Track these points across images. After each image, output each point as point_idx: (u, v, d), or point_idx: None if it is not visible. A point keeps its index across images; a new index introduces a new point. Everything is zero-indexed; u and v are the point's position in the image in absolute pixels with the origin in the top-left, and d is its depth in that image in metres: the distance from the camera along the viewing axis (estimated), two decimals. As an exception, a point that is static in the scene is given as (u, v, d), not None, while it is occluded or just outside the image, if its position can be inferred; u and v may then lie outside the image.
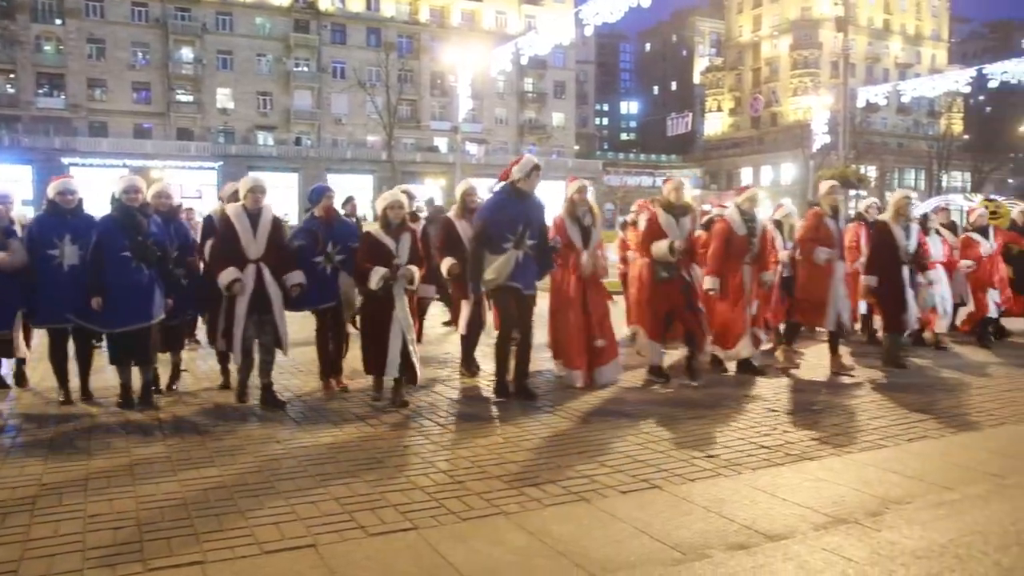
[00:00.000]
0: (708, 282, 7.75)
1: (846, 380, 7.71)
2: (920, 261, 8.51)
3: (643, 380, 7.51)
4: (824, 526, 3.98)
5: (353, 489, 4.51)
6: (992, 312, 10.09)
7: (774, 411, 6.42)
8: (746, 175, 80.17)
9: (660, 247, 7.27)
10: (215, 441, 5.56)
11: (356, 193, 13.48)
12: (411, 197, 8.40)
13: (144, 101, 61.29)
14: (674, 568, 3.51)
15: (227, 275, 6.39)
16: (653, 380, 7.49)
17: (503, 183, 6.85)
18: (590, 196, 7.34)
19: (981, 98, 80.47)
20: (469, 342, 7.73)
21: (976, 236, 10.25)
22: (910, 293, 8.36)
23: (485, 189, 7.69)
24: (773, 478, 4.74)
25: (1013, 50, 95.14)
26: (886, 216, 8.56)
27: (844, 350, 9.08)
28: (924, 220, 10.04)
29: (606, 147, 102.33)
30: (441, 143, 68.06)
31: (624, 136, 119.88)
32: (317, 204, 7.03)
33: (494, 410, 6.49)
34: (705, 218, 8.99)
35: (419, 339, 7.84)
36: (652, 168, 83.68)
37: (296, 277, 6.56)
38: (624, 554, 3.65)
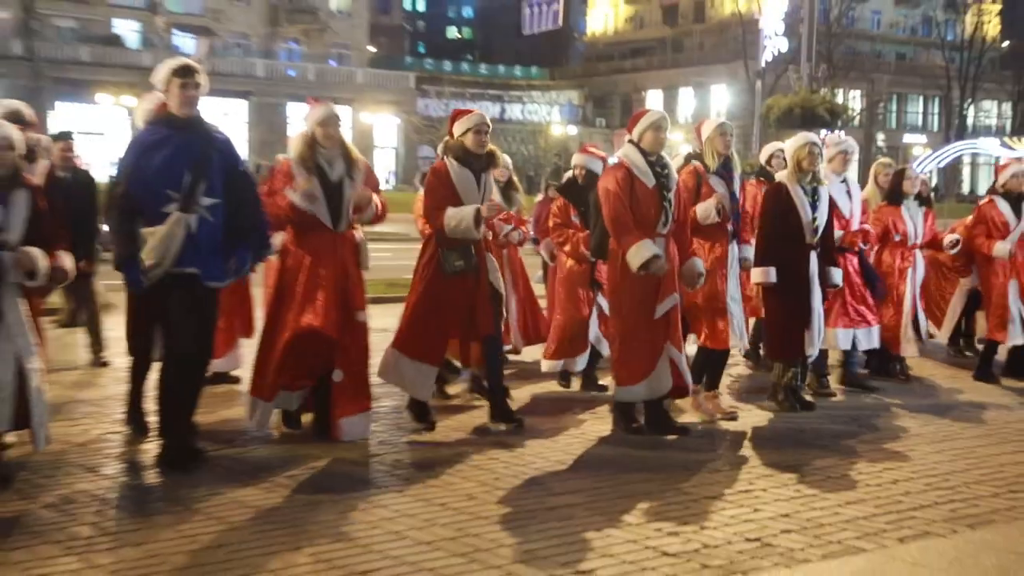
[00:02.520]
0: (637, 257, 4.62)
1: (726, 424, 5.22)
2: (843, 244, 5.75)
3: (403, 425, 4.96)
4: None
5: None
6: (1016, 335, 6.30)
7: (751, 488, 4.10)
8: (653, 100, 47.52)
9: (457, 217, 4.73)
10: None
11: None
12: (27, 124, 4.84)
13: None
14: None
15: None
16: (416, 425, 4.91)
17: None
18: (348, 132, 4.91)
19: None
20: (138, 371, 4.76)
21: (1002, 204, 6.38)
22: (818, 297, 5.41)
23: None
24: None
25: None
26: (784, 173, 5.54)
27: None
28: (899, 178, 6.31)
29: (422, 51, 64.59)
30: (129, 33, 41.66)
31: (453, 33, 72.47)
32: None
33: (209, 480, 4.07)
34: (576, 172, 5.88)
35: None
36: (500, 89, 51.09)
37: None
38: None
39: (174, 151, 4.05)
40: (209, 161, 4.11)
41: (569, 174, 6.21)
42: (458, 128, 4.91)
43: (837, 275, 5.57)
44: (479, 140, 4.86)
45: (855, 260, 6.00)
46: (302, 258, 4.52)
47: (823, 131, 18.33)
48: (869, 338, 6.02)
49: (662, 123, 4.92)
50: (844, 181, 6.01)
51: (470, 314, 4.88)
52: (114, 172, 4.80)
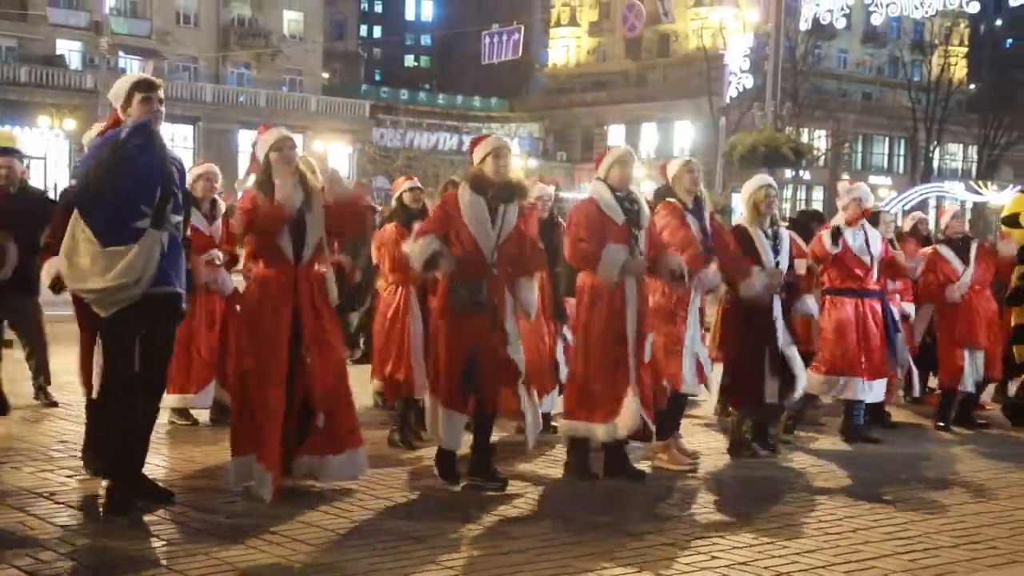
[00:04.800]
0: (611, 267, 4.46)
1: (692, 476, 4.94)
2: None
3: (430, 479, 4.50)
4: None
5: None
6: (967, 383, 6.27)
7: (708, 535, 3.94)
8: (616, 135, 46.41)
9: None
10: None
11: None
12: None
13: None
14: None
15: None
16: (445, 483, 4.44)
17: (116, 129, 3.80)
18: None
19: (998, 23, 48.06)
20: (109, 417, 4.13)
21: (946, 252, 6.37)
22: (784, 342, 5.26)
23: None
24: None
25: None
26: (743, 217, 5.58)
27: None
28: (875, 220, 6.21)
29: (379, 79, 61.40)
30: (72, 53, 38.61)
31: (410, 61, 70.53)
32: None
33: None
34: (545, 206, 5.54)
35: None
36: (458, 120, 49.31)
37: None
38: None
39: (148, 164, 3.80)
40: (174, 176, 3.90)
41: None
42: (477, 154, 4.47)
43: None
44: (498, 165, 4.39)
45: (879, 308, 5.79)
46: (263, 295, 4.19)
47: (787, 171, 17.73)
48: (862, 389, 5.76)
49: (627, 158, 4.78)
50: (861, 227, 5.80)
51: (486, 357, 4.35)
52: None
